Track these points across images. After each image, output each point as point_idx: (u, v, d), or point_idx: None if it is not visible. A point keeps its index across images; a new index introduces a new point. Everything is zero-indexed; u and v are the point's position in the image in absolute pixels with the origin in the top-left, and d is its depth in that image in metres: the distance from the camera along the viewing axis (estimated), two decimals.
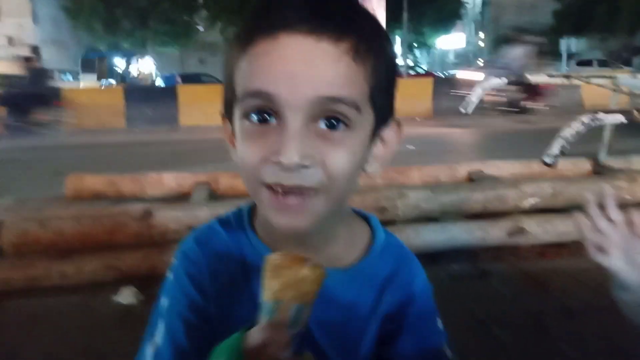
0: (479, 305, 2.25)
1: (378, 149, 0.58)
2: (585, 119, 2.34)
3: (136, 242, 2.32)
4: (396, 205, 2.59)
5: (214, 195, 3.05)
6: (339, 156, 0.51)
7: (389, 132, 0.58)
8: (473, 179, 3.44)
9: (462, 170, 3.53)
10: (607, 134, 3.47)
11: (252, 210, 0.64)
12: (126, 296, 2.16)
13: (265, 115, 0.51)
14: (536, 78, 3.21)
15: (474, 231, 2.58)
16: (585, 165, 3.66)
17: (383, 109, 0.56)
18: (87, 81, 17.44)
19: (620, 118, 2.34)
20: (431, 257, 2.58)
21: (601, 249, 0.76)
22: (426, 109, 10.26)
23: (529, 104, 8.84)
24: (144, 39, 22.31)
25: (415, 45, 33.51)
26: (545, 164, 2.40)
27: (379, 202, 2.58)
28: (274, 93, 0.49)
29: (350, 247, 0.63)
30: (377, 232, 0.65)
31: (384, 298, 0.62)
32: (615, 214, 0.76)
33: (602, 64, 19.92)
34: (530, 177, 3.22)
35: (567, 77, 3.27)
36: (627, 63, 18.79)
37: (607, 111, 2.39)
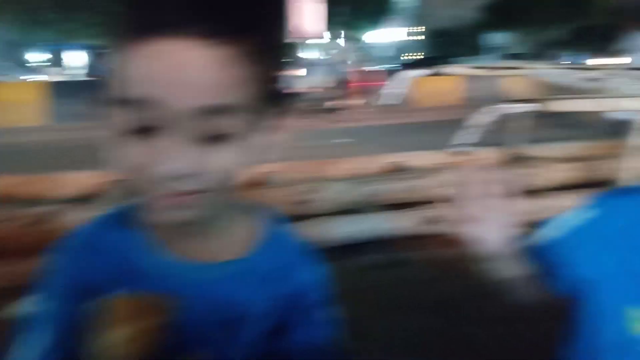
0: (397, 292, 2.28)
1: (275, 137, 0.56)
2: (498, 108, 2.40)
3: (34, 249, 2.16)
4: (314, 199, 2.57)
5: (129, 194, 2.91)
6: (224, 161, 0.50)
7: (284, 120, 0.57)
8: (397, 170, 3.48)
9: (387, 161, 3.56)
10: (523, 123, 3.59)
11: (138, 205, 0.61)
12: (22, 306, 2.01)
13: (147, 122, 0.47)
14: (456, 70, 3.27)
15: (393, 221, 2.60)
16: (503, 153, 3.79)
17: (276, 102, 0.54)
18: (55, 75, 16.63)
19: (531, 107, 2.41)
20: (351, 249, 2.59)
21: (472, 219, 0.73)
22: None
23: (332, 103, 8.44)
24: (71, 31, 21.24)
25: (352, 39, 33.75)
26: (458, 153, 2.44)
27: (296, 195, 2.55)
28: (157, 101, 0.46)
29: (235, 240, 0.61)
30: (266, 226, 0.63)
31: (269, 292, 0.61)
32: (491, 184, 0.73)
33: (529, 57, 20.85)
34: (452, 166, 3.28)
35: (489, 68, 3.35)
36: (550, 56, 19.72)
37: (520, 100, 2.46)
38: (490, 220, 0.72)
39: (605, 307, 0.69)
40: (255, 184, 3.14)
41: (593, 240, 0.71)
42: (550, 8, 24.97)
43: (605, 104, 2.52)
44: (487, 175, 0.74)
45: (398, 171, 3.37)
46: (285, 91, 0.57)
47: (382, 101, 3.28)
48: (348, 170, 3.52)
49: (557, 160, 3.29)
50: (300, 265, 0.64)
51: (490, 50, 28.67)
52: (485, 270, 0.77)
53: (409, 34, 43.01)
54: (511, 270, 0.75)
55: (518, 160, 3.61)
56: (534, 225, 0.76)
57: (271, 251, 0.62)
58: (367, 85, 8.70)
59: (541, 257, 0.75)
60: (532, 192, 2.92)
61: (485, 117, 2.38)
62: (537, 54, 20.08)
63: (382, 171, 3.57)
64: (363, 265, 2.52)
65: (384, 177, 2.83)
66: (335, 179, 2.87)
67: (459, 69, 3.22)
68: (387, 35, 39.74)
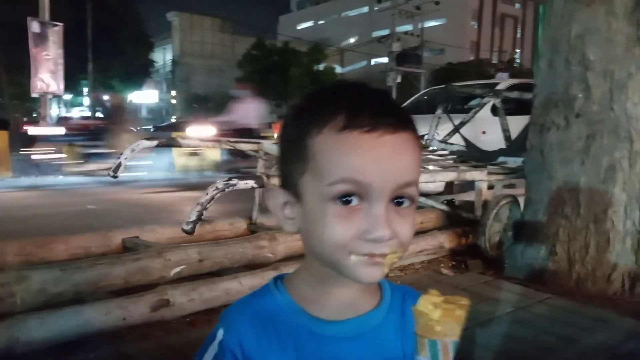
0: None
1: None
2: (219, 184, 2.38)
3: None
4: (13, 292, 2.13)
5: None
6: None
7: None
8: (128, 247, 3.20)
9: (117, 238, 3.25)
10: (257, 194, 3.71)
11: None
12: None
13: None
14: (187, 141, 3.21)
15: (113, 310, 2.30)
16: (242, 224, 3.85)
17: None
18: None
19: (251, 183, 2.46)
20: (64, 349, 2.20)
21: None
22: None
23: None
24: None
25: (106, 97, 32.27)
26: (185, 231, 2.33)
27: None
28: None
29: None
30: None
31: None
32: None
33: None
34: (189, 240, 3.16)
35: (218, 141, 3.37)
36: None
37: (241, 177, 2.49)
38: None
39: None
40: None
41: None
42: (299, 83, 28.03)
43: None
44: None
45: (134, 248, 3.10)
46: None
47: (118, 172, 3.00)
48: (79, 249, 3.11)
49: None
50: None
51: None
52: None
53: (163, 97, 42.94)
54: None
55: (258, 230, 3.70)
56: None
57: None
58: None
59: None
60: (269, 264, 2.98)
61: (208, 193, 2.34)
62: None
63: (118, 248, 3.25)
64: None
65: (105, 260, 2.52)
66: (41, 265, 2.45)
67: (191, 141, 3.17)
68: (145, 97, 39.02)
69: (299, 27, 55.50)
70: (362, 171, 0.57)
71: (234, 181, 2.42)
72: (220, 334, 0.65)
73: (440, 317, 0.56)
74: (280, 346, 0.63)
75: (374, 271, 0.59)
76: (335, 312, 0.65)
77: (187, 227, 2.33)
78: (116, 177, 2.92)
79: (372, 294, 0.69)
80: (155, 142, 3.02)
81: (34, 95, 11.68)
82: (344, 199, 0.58)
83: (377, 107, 0.59)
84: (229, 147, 3.20)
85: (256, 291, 0.69)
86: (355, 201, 0.58)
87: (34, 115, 21.77)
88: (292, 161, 0.62)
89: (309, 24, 56.49)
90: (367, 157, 0.57)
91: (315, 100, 0.63)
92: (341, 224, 0.58)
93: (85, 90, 28.06)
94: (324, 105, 0.61)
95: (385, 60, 33.75)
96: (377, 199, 0.57)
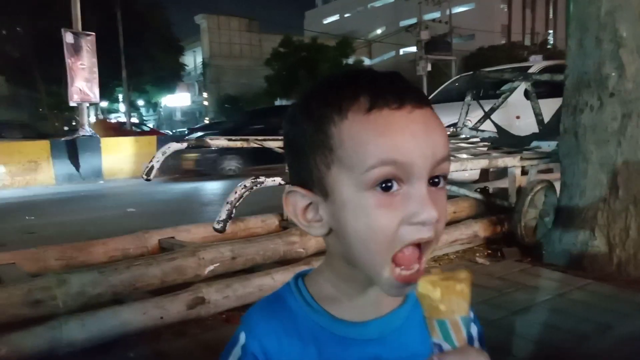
0: None
1: None
2: (248, 183, 2.40)
3: None
4: (54, 296, 2.21)
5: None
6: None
7: None
8: (164, 248, 3.28)
9: (153, 238, 3.34)
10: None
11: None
12: None
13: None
14: (215, 142, 3.25)
15: (151, 310, 2.36)
16: (274, 221, 3.88)
17: None
18: None
19: (279, 180, 2.48)
20: (103, 349, 2.27)
21: None
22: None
23: None
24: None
25: (141, 103, 32.97)
26: (216, 230, 2.37)
27: (30, 295, 2.16)
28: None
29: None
30: None
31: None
32: None
33: None
34: (222, 239, 3.21)
35: (246, 140, 3.40)
36: None
37: (268, 175, 2.51)
38: None
39: None
40: None
41: None
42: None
43: None
44: None
45: (169, 248, 3.17)
46: None
47: (151, 175, 3.07)
48: (116, 251, 3.20)
49: None
50: None
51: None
52: None
53: (195, 100, 43.67)
54: None
55: (289, 226, 3.72)
56: None
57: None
58: None
59: None
60: (300, 260, 3.00)
61: (237, 191, 2.37)
62: None
63: (155, 248, 3.34)
64: None
65: (140, 261, 2.59)
66: (80, 269, 2.53)
67: (219, 141, 3.22)
68: (179, 100, 39.77)
69: (325, 22, 55.37)
70: (401, 150, 0.53)
71: (262, 179, 2.44)
72: (242, 337, 0.62)
73: (442, 295, 0.54)
74: (302, 349, 0.61)
75: (404, 290, 0.57)
76: (358, 313, 0.63)
77: (218, 226, 2.36)
78: (149, 180, 2.98)
79: None
80: (185, 144, 3.07)
81: (71, 104, 12.06)
82: (384, 185, 0.53)
83: (397, 84, 0.56)
84: (257, 145, 3.22)
85: (277, 291, 0.67)
86: (395, 186, 0.54)
87: (73, 123, 22.45)
88: (314, 155, 0.57)
89: (335, 17, 56.28)
90: (404, 134, 0.53)
91: (327, 88, 0.58)
92: (385, 213, 0.54)
93: (120, 96, 28.79)
94: (340, 90, 0.56)
95: (414, 49, 33.31)
96: (418, 178, 0.54)
